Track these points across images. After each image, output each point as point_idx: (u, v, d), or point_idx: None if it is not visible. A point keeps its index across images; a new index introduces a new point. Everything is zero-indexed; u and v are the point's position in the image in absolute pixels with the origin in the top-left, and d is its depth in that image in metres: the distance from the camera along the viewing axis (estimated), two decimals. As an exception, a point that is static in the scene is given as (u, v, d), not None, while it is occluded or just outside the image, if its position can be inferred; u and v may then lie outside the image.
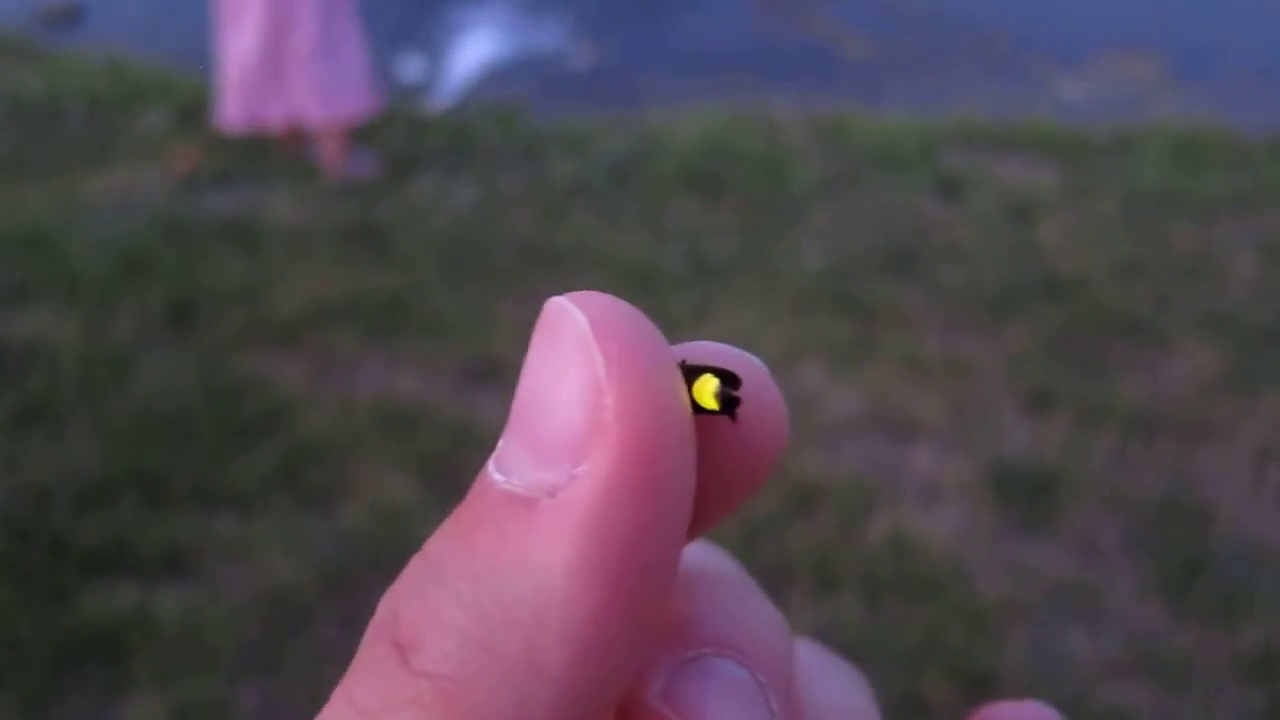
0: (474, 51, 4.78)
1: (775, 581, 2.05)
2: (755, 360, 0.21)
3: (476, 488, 0.18)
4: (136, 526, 2.09)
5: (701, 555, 0.24)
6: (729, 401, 0.19)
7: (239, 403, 2.45)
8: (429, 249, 3.10)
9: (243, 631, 1.89)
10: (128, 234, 3.08)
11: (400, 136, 3.75)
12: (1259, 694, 1.89)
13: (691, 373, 0.19)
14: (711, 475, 0.19)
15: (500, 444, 0.18)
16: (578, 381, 0.17)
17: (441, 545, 0.18)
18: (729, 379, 0.19)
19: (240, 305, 2.79)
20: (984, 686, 1.87)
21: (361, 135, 3.62)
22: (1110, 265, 3.13)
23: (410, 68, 4.64)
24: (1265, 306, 2.98)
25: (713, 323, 2.77)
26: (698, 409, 0.19)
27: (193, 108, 3.83)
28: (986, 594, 2.05)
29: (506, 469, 0.18)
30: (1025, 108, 4.11)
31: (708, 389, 0.19)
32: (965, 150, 3.81)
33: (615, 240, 3.18)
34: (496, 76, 4.59)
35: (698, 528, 0.20)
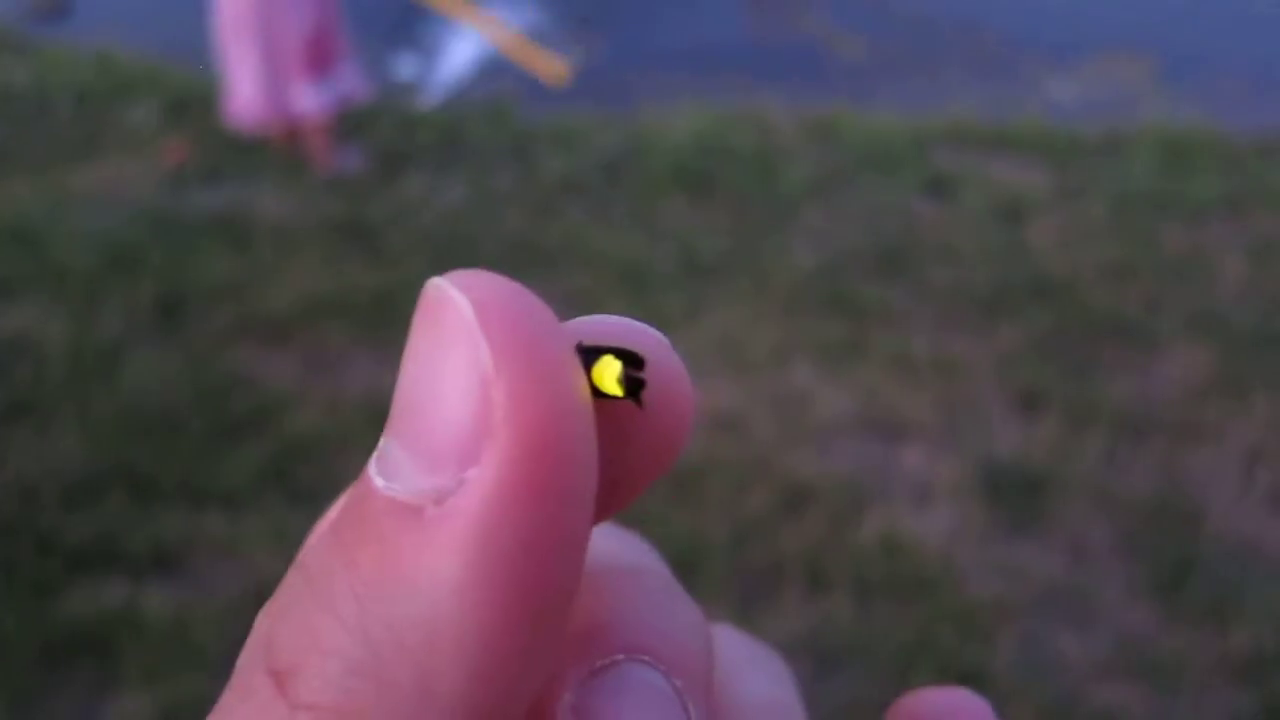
0: (465, 49, 4.77)
1: (766, 582, 2.05)
2: (656, 334, 0.19)
3: (356, 492, 0.16)
4: (124, 523, 2.07)
5: (610, 544, 0.22)
6: (633, 385, 0.17)
7: (228, 399, 2.44)
8: (419, 246, 3.09)
9: (231, 629, 1.88)
10: (116, 228, 3.06)
11: (391, 133, 3.74)
12: (1249, 695, 1.90)
13: (590, 355, 0.17)
14: (615, 461, 0.18)
15: (381, 443, 0.16)
16: (463, 375, 0.15)
17: (320, 557, 0.16)
18: (631, 359, 0.18)
19: (229, 301, 2.77)
20: (974, 687, 1.85)
21: (351, 130, 3.61)
22: (1100, 266, 3.14)
23: (401, 64, 4.62)
24: (1254, 308, 2.99)
25: (703, 321, 2.76)
26: (597, 394, 0.17)
27: (182, 101, 3.81)
28: (977, 594, 2.05)
29: (389, 473, 0.16)
30: (1016, 108, 4.12)
31: (609, 373, 0.17)
32: (956, 150, 3.81)
33: (606, 238, 3.18)
34: (487, 74, 4.57)
35: (601, 514, 0.19)
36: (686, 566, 1.99)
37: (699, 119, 3.88)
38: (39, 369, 2.50)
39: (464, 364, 0.15)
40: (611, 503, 0.19)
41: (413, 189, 3.42)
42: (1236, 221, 3.46)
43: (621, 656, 0.18)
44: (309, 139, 3.46)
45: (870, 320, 2.84)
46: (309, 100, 3.35)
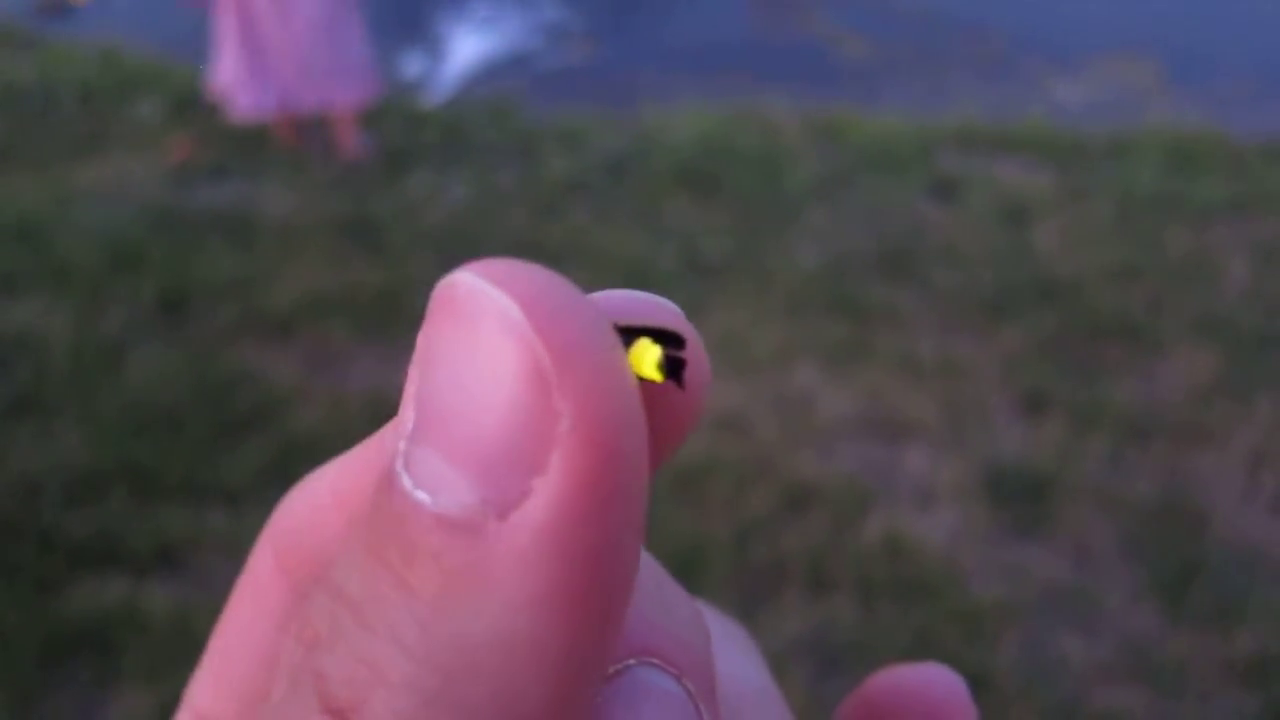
0: (470, 47, 4.77)
1: (768, 583, 2.05)
2: (673, 306, 0.18)
3: (392, 508, 0.15)
4: (126, 520, 2.07)
5: None
6: (674, 367, 0.17)
7: (231, 396, 2.43)
8: (423, 244, 3.09)
9: (233, 627, 1.88)
10: (120, 225, 3.06)
11: (395, 131, 3.74)
12: (1253, 699, 1.89)
13: (626, 337, 0.17)
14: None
15: (406, 451, 0.15)
16: (516, 379, 0.14)
17: (364, 583, 0.15)
18: (667, 339, 0.17)
19: (233, 298, 2.77)
20: (977, 689, 1.86)
21: (360, 121, 3.61)
22: (1105, 268, 3.13)
23: (407, 62, 4.62)
24: (1259, 311, 2.98)
25: (707, 321, 2.76)
26: (639, 380, 0.16)
27: (186, 98, 3.81)
28: (980, 596, 2.05)
29: (430, 486, 0.15)
30: (1021, 110, 4.12)
31: (649, 358, 0.17)
32: (961, 152, 3.81)
33: (610, 237, 3.17)
34: (492, 72, 4.57)
35: None
36: (689, 566, 1.98)
37: (703, 119, 3.88)
38: (42, 365, 2.50)
39: (518, 367, 0.14)
40: None
41: (417, 187, 3.42)
42: (1241, 223, 3.46)
43: (632, 661, 0.18)
44: (338, 128, 3.47)
45: (874, 321, 2.84)
46: (324, 90, 3.36)
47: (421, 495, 0.15)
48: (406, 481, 0.15)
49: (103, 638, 1.84)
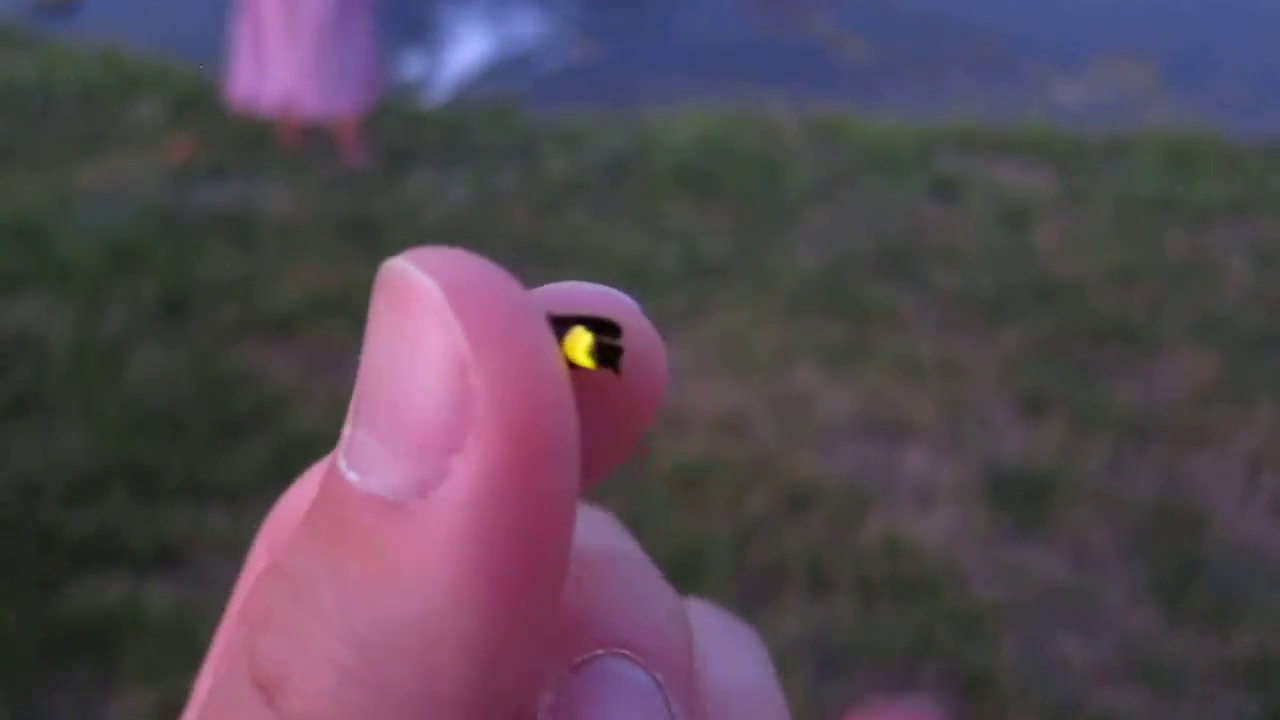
0: (471, 47, 4.77)
1: (768, 583, 2.05)
2: (625, 298, 0.18)
3: (329, 489, 0.16)
4: (126, 519, 2.07)
5: (583, 529, 0.22)
6: (607, 354, 0.17)
7: (231, 396, 2.44)
8: (423, 244, 3.05)
9: (233, 626, 1.88)
10: (121, 225, 3.06)
11: (396, 131, 3.74)
12: (1252, 700, 1.90)
13: (561, 325, 0.17)
14: (592, 431, 0.17)
15: (347, 434, 0.16)
16: (438, 360, 0.15)
17: (298, 560, 0.15)
18: (604, 327, 0.17)
19: (233, 298, 2.77)
20: (977, 689, 1.87)
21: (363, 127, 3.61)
22: (1104, 270, 3.14)
23: (407, 63, 4.62)
24: (1258, 312, 2.99)
25: (706, 322, 2.76)
26: (572, 366, 0.16)
27: (188, 98, 3.81)
28: (980, 597, 2.05)
29: (362, 466, 0.15)
30: (1021, 111, 4.12)
31: (580, 345, 0.17)
32: (961, 153, 3.81)
33: (610, 238, 3.18)
34: (493, 73, 4.57)
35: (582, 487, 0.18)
36: (688, 567, 1.98)
37: (703, 120, 3.88)
38: (43, 365, 2.50)
39: (438, 349, 0.15)
40: (589, 473, 0.18)
41: (417, 187, 3.42)
42: (1241, 225, 3.46)
43: (601, 652, 0.18)
44: (341, 133, 3.47)
45: (874, 322, 2.84)
46: (327, 96, 3.36)
47: (352, 475, 0.15)
48: (342, 462, 0.15)
49: (103, 637, 1.85)
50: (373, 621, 0.14)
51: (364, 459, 0.15)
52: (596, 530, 0.21)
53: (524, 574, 0.15)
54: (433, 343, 0.15)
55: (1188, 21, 5.29)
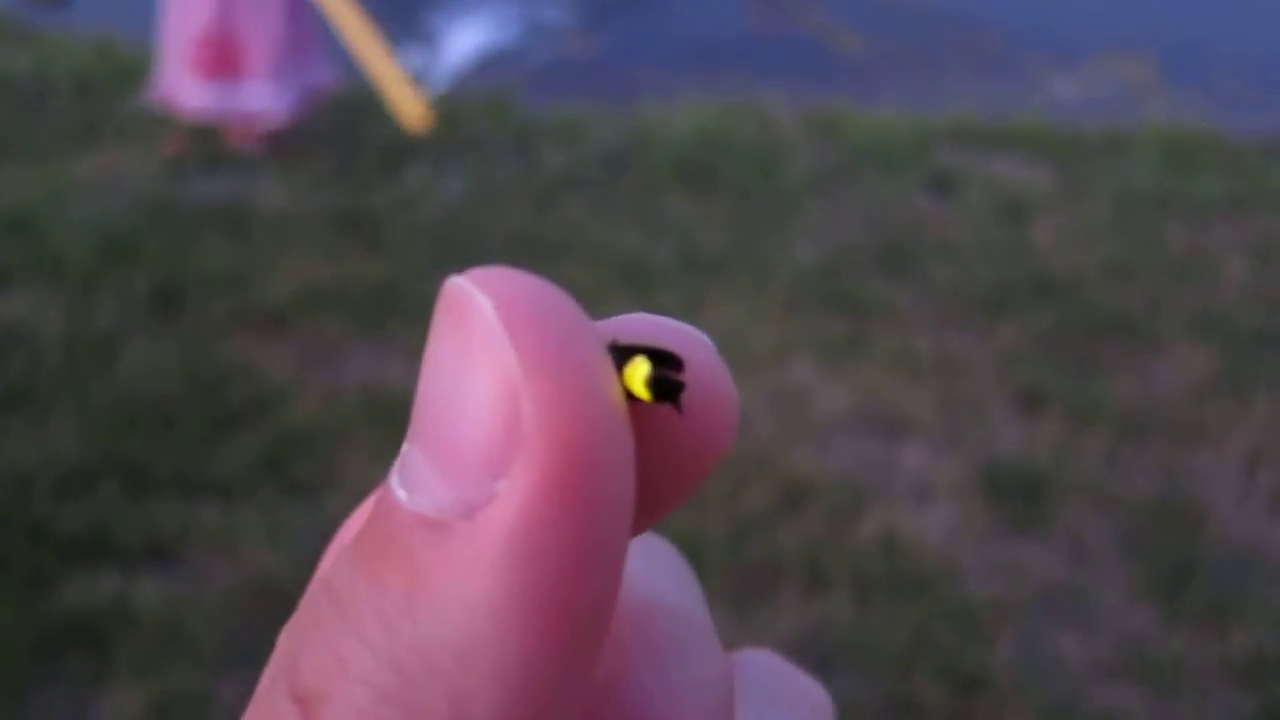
0: (467, 40, 4.76)
1: (764, 580, 2.04)
2: (699, 335, 0.18)
3: (380, 505, 0.16)
4: (118, 514, 2.06)
5: (636, 565, 0.20)
6: (664, 388, 0.16)
7: (224, 390, 2.42)
8: (419, 238, 3.08)
9: (225, 623, 1.87)
10: (114, 217, 3.04)
11: (391, 124, 3.72)
12: (1249, 698, 1.89)
13: (623, 355, 0.16)
14: (652, 469, 0.17)
15: (403, 452, 0.16)
16: (489, 382, 0.15)
17: (345, 575, 0.16)
18: (665, 359, 0.17)
19: (227, 291, 2.76)
20: (974, 687, 1.86)
21: (354, 119, 3.59)
22: (1102, 265, 3.13)
23: (403, 56, 4.60)
24: (1256, 309, 2.98)
25: (703, 317, 2.75)
26: (632, 398, 0.16)
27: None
28: (977, 594, 2.04)
29: (413, 486, 0.15)
30: (1019, 106, 4.11)
31: (638, 375, 0.16)
32: (958, 148, 3.80)
33: (606, 232, 3.16)
34: (489, 66, 4.56)
35: (637, 526, 0.17)
36: (685, 563, 1.97)
37: (701, 113, 3.87)
38: (35, 358, 2.48)
39: (489, 370, 0.15)
40: (648, 513, 0.17)
41: (413, 181, 3.40)
42: (1239, 221, 3.45)
43: None
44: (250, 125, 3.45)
45: (871, 317, 2.83)
46: (193, 98, 3.34)
47: (401, 493, 0.15)
48: (395, 478, 0.15)
49: (94, 633, 1.83)
50: (410, 642, 0.14)
51: (414, 477, 0.15)
52: (651, 570, 0.20)
53: (566, 602, 0.15)
54: (484, 362, 0.15)
55: (1186, 17, 5.28)
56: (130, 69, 3.94)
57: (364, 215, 3.17)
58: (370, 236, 3.07)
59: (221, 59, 3.30)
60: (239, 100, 3.35)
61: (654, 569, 0.21)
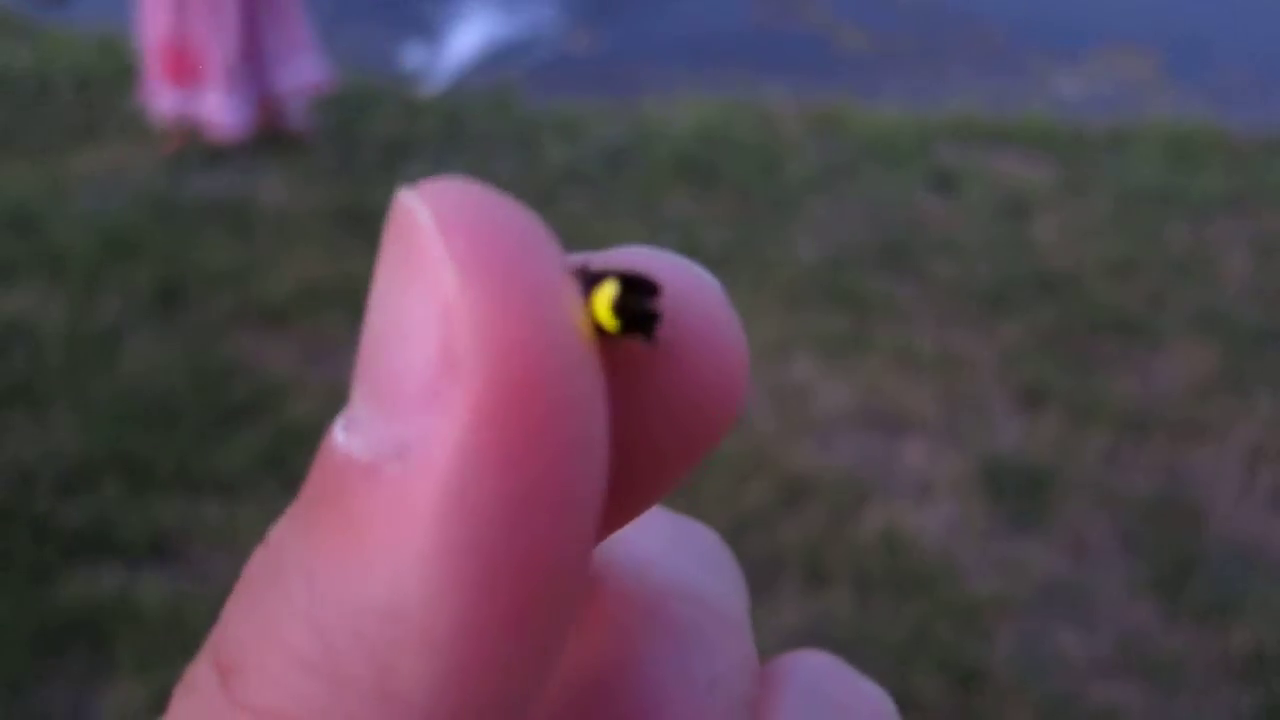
0: (469, 36, 4.75)
1: (764, 576, 2.04)
2: (698, 270, 0.16)
3: (320, 451, 0.14)
4: (120, 510, 2.06)
5: (663, 550, 0.18)
6: (632, 316, 0.14)
7: (226, 386, 2.43)
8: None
9: (227, 618, 1.87)
10: (115, 213, 3.04)
11: (393, 120, 3.72)
12: (1250, 694, 1.89)
13: (595, 281, 0.14)
14: (645, 427, 0.15)
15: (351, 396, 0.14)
16: (425, 300, 0.12)
17: (281, 530, 0.14)
18: (640, 286, 0.14)
19: (228, 287, 2.76)
20: (974, 683, 1.86)
21: (356, 115, 3.59)
22: (1104, 262, 3.12)
23: (404, 51, 4.60)
24: (1258, 306, 2.98)
25: (705, 313, 2.75)
26: (603, 333, 0.14)
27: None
28: (977, 590, 2.04)
29: (349, 424, 0.13)
30: (1021, 103, 4.10)
31: (603, 300, 0.14)
32: (960, 145, 3.80)
33: (608, 228, 3.16)
34: (491, 61, 4.56)
35: (636, 502, 0.16)
36: (685, 559, 1.97)
37: (702, 110, 3.87)
38: (36, 354, 2.49)
39: (425, 286, 0.13)
40: (649, 483, 0.16)
41: (414, 176, 3.38)
42: (1241, 218, 3.45)
43: None
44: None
45: (872, 314, 2.83)
46: (164, 102, 3.36)
47: (340, 434, 0.13)
48: (339, 422, 0.14)
49: (96, 628, 1.84)
50: (336, 602, 0.12)
51: (352, 416, 0.13)
52: (676, 553, 0.18)
53: (512, 568, 0.12)
54: (420, 278, 0.13)
55: (1188, 13, 5.27)
56: (131, 66, 3.94)
57: (365, 212, 3.17)
58: (371, 233, 3.06)
59: (181, 66, 3.32)
60: (200, 107, 3.37)
61: (680, 552, 0.18)
